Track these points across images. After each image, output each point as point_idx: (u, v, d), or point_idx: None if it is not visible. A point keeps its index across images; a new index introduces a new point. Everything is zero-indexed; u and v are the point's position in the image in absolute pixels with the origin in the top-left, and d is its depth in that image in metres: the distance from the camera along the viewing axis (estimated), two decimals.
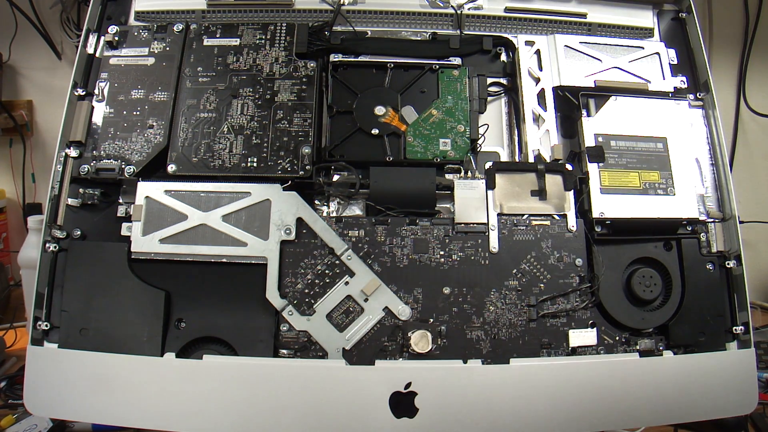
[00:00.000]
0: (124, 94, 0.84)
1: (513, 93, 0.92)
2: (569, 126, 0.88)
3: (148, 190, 0.79)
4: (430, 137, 0.85)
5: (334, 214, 0.84)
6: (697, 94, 0.91)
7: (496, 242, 0.80)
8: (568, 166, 0.83)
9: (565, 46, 0.90)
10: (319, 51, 0.88)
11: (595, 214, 0.80)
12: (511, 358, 0.75)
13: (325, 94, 0.88)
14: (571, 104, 0.86)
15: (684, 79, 0.91)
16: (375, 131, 0.85)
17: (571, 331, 0.78)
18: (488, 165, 0.83)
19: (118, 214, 0.81)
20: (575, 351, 0.78)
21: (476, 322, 0.77)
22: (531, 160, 0.86)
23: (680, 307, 0.81)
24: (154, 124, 0.82)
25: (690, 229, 0.83)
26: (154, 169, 0.81)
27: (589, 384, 0.74)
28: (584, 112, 0.85)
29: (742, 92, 1.43)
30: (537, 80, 0.89)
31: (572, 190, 0.82)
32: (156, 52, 0.86)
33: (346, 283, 0.77)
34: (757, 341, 0.96)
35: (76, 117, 0.83)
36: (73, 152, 0.82)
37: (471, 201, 0.81)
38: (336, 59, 0.88)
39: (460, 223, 0.80)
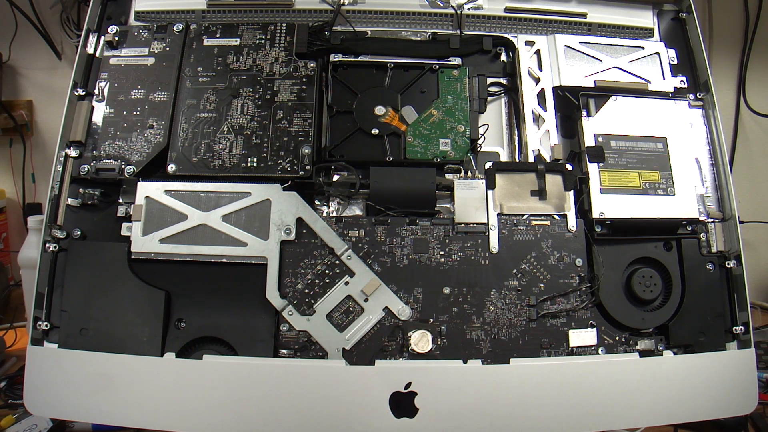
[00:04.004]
0: (124, 94, 0.84)
1: (513, 93, 0.92)
2: (569, 126, 0.88)
3: (148, 190, 0.79)
4: (430, 137, 0.85)
5: (334, 214, 0.84)
6: (697, 94, 0.91)
7: (496, 242, 0.80)
8: (568, 166, 0.83)
9: (565, 46, 0.90)
10: (319, 51, 0.88)
11: (595, 214, 0.80)
12: (511, 358, 0.75)
13: (325, 94, 0.88)
14: (571, 104, 0.86)
15: (684, 79, 0.91)
16: (375, 131, 0.85)
17: (571, 331, 0.78)
18: (488, 165, 0.83)
19: (118, 214, 0.81)
20: (575, 351, 0.78)
21: (476, 322, 0.77)
22: (531, 160, 0.86)
23: (680, 307, 0.81)
24: (154, 124, 0.82)
25: (690, 229, 0.83)
26: (154, 169, 0.81)
27: (589, 384, 0.74)
28: (584, 112, 0.85)
29: (742, 92, 1.43)
30: (537, 80, 0.89)
31: (572, 190, 0.82)
32: (156, 52, 0.86)
33: (346, 283, 0.77)
34: (757, 341, 0.96)
35: (76, 117, 0.83)
36: (73, 152, 0.82)
37: (471, 201, 0.81)
38: (336, 59, 0.88)
39: (460, 223, 0.80)
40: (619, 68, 0.89)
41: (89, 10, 0.88)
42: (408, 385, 0.72)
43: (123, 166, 0.80)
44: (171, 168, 0.80)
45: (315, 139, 0.82)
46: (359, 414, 0.71)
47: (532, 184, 0.83)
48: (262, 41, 0.87)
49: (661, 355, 0.79)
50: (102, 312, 0.76)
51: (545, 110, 0.88)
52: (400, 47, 0.90)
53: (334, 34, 0.90)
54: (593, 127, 0.84)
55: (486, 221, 0.80)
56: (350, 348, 0.75)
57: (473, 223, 0.80)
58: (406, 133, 0.85)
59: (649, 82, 0.89)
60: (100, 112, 0.83)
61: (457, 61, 0.90)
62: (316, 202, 0.84)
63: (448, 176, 0.85)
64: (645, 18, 0.95)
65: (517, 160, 0.90)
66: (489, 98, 0.90)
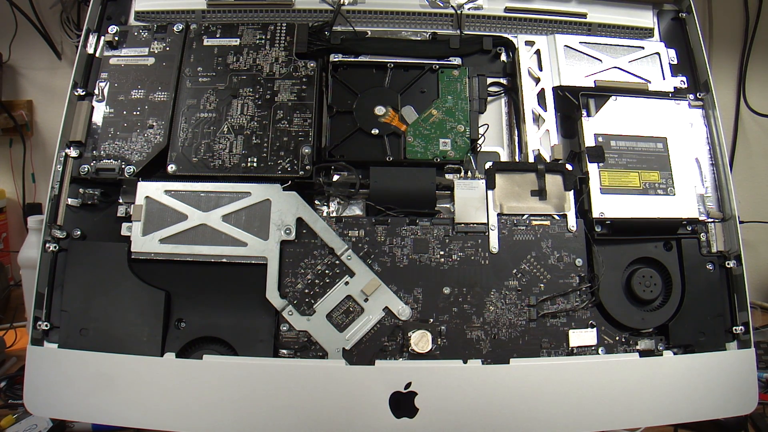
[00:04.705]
0: (124, 94, 0.84)
1: (513, 93, 0.92)
2: (569, 126, 0.88)
3: (148, 190, 0.79)
4: (430, 137, 0.85)
5: (334, 214, 0.84)
6: (697, 94, 0.91)
7: (496, 242, 0.80)
8: (568, 166, 0.83)
9: (565, 46, 0.90)
10: (319, 51, 0.88)
11: (595, 214, 0.80)
12: (511, 358, 0.75)
13: (325, 94, 0.88)
14: (571, 104, 0.86)
15: (684, 79, 0.91)
16: (375, 131, 0.85)
17: (571, 331, 0.78)
18: (488, 165, 0.83)
19: (118, 214, 0.81)
20: (575, 351, 0.78)
21: (476, 322, 0.77)
22: (531, 160, 0.86)
23: (680, 307, 0.81)
24: (154, 124, 0.82)
25: (690, 229, 0.83)
26: (154, 169, 0.81)
27: (589, 384, 0.74)
28: (584, 112, 0.85)
29: (742, 92, 1.43)
30: (537, 80, 0.89)
31: (572, 190, 0.82)
32: (156, 52, 0.86)
33: (346, 283, 0.77)
34: (757, 341, 0.96)
35: (76, 117, 0.83)
36: (73, 152, 0.82)
37: (471, 201, 0.81)
38: (336, 59, 0.88)
39: (460, 223, 0.80)
40: (619, 68, 0.89)
41: (89, 10, 0.88)
42: (408, 385, 0.72)
43: (123, 166, 0.80)
44: (171, 168, 0.80)
45: (315, 139, 0.82)
46: (359, 414, 0.71)
47: (532, 184, 0.83)
48: (262, 41, 0.87)
49: (661, 355, 0.79)
50: (102, 312, 0.76)
51: (545, 110, 0.88)
52: (400, 47, 0.90)
53: (334, 34, 0.90)
54: (593, 127, 0.84)
55: (486, 221, 0.80)
56: (350, 348, 0.75)
57: (473, 223, 0.80)
58: (406, 133, 0.85)
59: (649, 82, 0.89)
60: (100, 112, 0.83)
61: (457, 61, 0.90)
62: (316, 202, 0.84)
63: (448, 176, 0.85)
64: (645, 18, 0.95)
65: (517, 160, 0.90)
66: (489, 98, 0.90)
